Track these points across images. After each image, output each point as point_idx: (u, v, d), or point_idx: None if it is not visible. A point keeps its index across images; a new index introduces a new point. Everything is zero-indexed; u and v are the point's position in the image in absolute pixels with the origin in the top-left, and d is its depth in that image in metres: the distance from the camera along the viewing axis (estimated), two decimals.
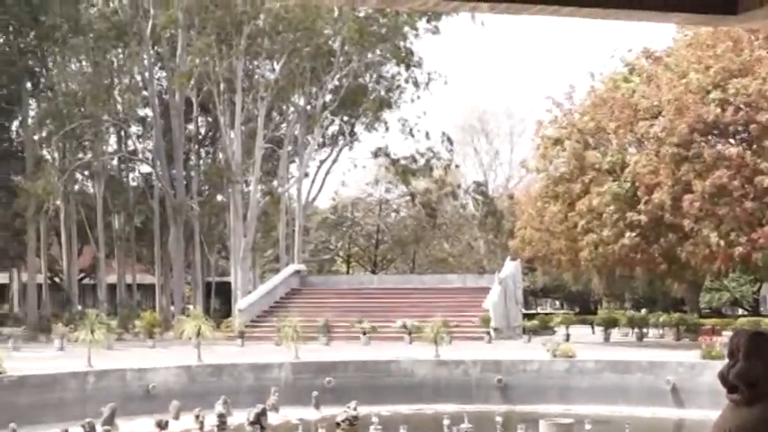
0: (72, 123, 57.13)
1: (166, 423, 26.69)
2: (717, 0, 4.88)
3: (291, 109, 62.40)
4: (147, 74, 61.81)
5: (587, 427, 26.26)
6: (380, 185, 78.14)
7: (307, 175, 63.34)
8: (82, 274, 69.26)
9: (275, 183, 64.93)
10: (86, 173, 65.18)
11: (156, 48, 62.54)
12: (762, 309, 69.28)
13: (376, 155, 68.19)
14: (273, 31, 55.81)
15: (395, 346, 40.00)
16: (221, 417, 27.41)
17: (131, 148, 66.45)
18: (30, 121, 61.04)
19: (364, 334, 43.84)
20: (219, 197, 65.35)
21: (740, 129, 41.45)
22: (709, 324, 49.03)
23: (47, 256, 63.93)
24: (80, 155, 62.76)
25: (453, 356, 34.21)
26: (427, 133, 66.32)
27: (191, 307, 57.84)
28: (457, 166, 72.01)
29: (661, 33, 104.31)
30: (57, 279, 67.99)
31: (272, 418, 28.52)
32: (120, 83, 62.04)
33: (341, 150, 66.34)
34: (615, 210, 41.40)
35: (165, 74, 63.71)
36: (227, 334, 45.54)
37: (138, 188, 67.21)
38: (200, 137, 67.82)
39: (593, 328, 52.03)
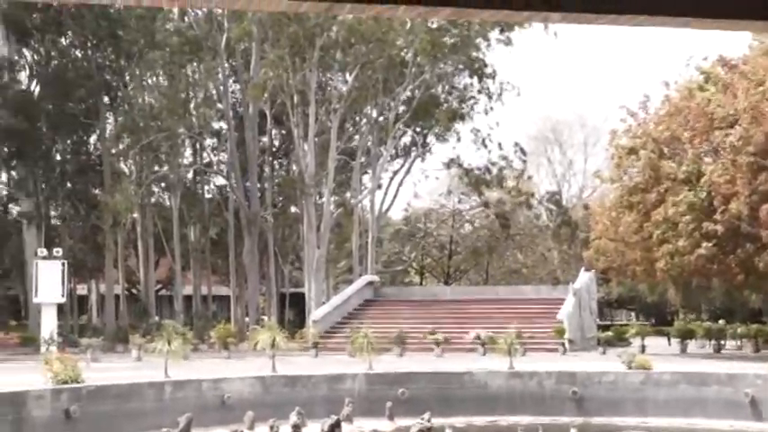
0: (148, 137, 57.95)
1: None
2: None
3: (364, 120, 62.60)
4: (221, 87, 62.49)
5: None
6: (453, 196, 78.10)
7: (380, 186, 63.50)
8: (159, 286, 70.08)
9: (348, 194, 65.14)
10: (163, 185, 65.99)
11: (230, 61, 63.24)
12: None
13: (449, 165, 68.19)
14: (346, 43, 56.08)
15: (468, 358, 39.86)
16: (296, 427, 27.50)
17: (206, 160, 67.21)
18: (107, 134, 62.06)
19: (437, 345, 43.74)
20: (293, 209, 65.75)
21: None
22: None
23: (124, 268, 64.83)
24: (156, 168, 63.58)
25: (527, 368, 33.98)
26: (500, 144, 66.21)
27: (265, 318, 58.10)
28: (530, 177, 71.72)
29: (736, 41, 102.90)
30: (134, 290, 68.89)
31: (346, 429, 28.53)
32: (195, 96, 62.75)
33: (413, 161, 66.41)
34: (691, 219, 40.90)
35: (239, 87, 64.33)
36: (302, 345, 45.74)
37: (213, 200, 67.88)
38: (273, 149, 68.32)
39: (669, 339, 51.36)
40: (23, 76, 61.83)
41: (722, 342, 47.74)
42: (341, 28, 55.27)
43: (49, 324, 45.66)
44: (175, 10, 58.36)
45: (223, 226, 66.31)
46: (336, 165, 58.18)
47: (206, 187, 69.29)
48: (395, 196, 65.85)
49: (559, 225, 71.21)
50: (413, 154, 66.12)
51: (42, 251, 48.57)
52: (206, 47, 59.66)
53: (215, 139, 67.33)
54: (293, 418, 27.77)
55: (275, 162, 69.00)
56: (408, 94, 60.26)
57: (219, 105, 63.84)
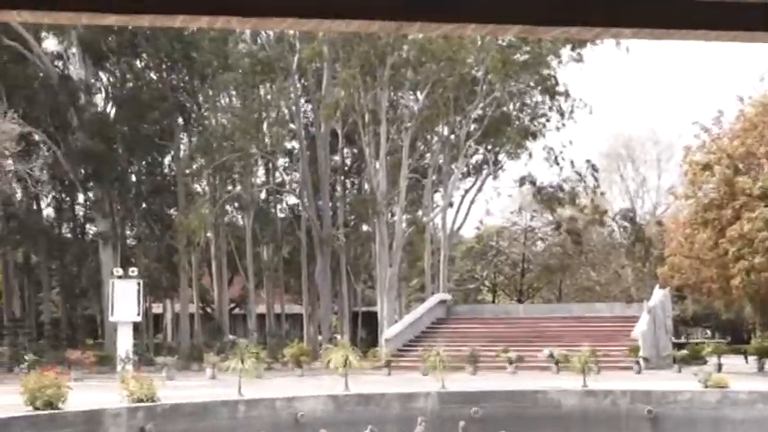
0: (222, 157, 58.53)
1: None
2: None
3: (435, 139, 62.62)
4: (293, 107, 62.96)
5: None
6: (525, 214, 77.79)
7: (451, 204, 63.41)
8: (232, 305, 70.65)
9: (420, 212, 65.15)
10: (236, 205, 66.57)
11: (302, 81, 63.73)
12: None
13: (521, 183, 67.93)
14: (417, 61, 56.20)
15: (542, 376, 39.63)
16: None
17: (279, 179, 67.69)
18: (181, 155, 62.87)
19: (511, 363, 43.57)
20: (365, 227, 65.92)
21: None
22: None
23: (199, 287, 65.47)
24: (230, 187, 64.22)
25: (601, 386, 33.69)
26: (572, 161, 65.78)
27: (338, 336, 58.37)
28: (602, 193, 71.18)
29: None
30: (208, 309, 69.52)
31: None
32: (267, 116, 63.28)
33: (485, 179, 66.18)
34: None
35: (311, 106, 64.79)
36: (374, 363, 45.77)
37: (286, 219, 68.34)
38: (345, 168, 68.61)
39: (746, 357, 50.57)
40: (100, 98, 62.96)
41: None
42: (411, 47, 55.43)
43: (124, 343, 46.20)
44: (248, 32, 58.96)
45: (296, 245, 66.66)
46: (408, 183, 58.23)
47: (278, 206, 69.82)
48: (467, 214, 65.77)
49: (633, 242, 70.50)
50: (484, 172, 65.94)
51: (118, 271, 49.21)
52: (278, 67, 60.18)
53: (287, 159, 67.79)
54: None
55: (347, 181, 69.28)
56: (479, 111, 60.14)
57: (292, 125, 64.32)
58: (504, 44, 55.82)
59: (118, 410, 26.54)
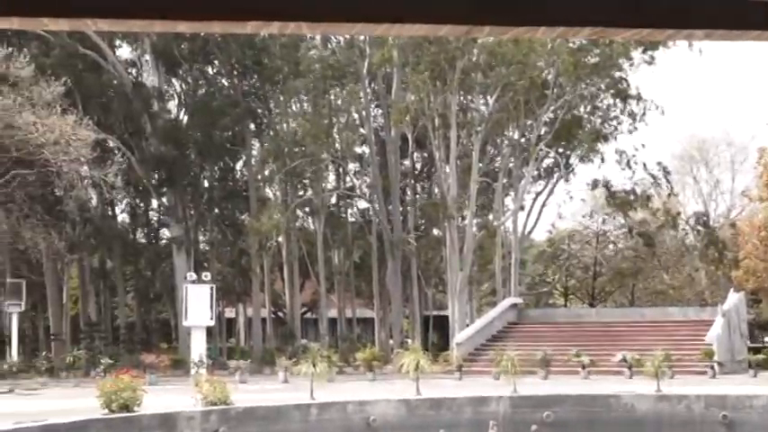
0: (293, 162, 58.87)
1: None
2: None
3: (506, 142, 62.39)
4: (364, 112, 63.14)
5: None
6: (597, 217, 77.17)
7: (522, 207, 63.08)
8: (304, 309, 71.00)
9: (491, 216, 64.94)
10: (307, 209, 66.88)
11: (372, 86, 63.88)
12: None
13: (593, 186, 67.38)
14: (487, 65, 56.07)
15: (614, 380, 39.30)
16: None
17: (350, 184, 67.90)
18: (253, 160, 63.35)
19: (583, 368, 43.27)
20: (436, 231, 65.86)
21: None
22: None
23: (271, 291, 65.90)
24: (301, 192, 64.56)
25: (675, 391, 33.32)
26: (645, 164, 65.03)
27: (409, 340, 58.40)
28: (675, 195, 70.38)
29: None
30: (280, 313, 69.91)
31: None
32: (338, 121, 63.49)
33: (556, 182, 65.78)
34: None
35: (381, 111, 64.91)
36: (446, 367, 45.75)
37: (357, 223, 68.50)
38: (415, 172, 68.64)
39: None
40: (172, 105, 63.70)
41: None
42: (481, 50, 55.30)
43: (198, 347, 46.66)
44: (318, 37, 59.23)
45: (366, 249, 66.80)
46: (478, 187, 58.06)
47: (349, 211, 70.03)
48: (538, 218, 65.40)
49: (707, 245, 69.55)
50: (555, 175, 65.54)
51: (192, 275, 49.69)
52: (348, 73, 60.41)
53: (358, 164, 68.00)
54: None
55: (417, 185, 69.30)
56: (550, 115, 59.80)
57: (362, 130, 64.50)
58: (575, 47, 55.44)
59: (192, 413, 26.81)
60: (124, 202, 65.78)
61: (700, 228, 72.25)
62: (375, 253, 62.96)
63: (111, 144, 57.32)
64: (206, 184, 63.77)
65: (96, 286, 64.57)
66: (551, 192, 65.94)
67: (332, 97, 63.10)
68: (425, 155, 67.11)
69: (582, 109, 62.53)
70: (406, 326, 66.29)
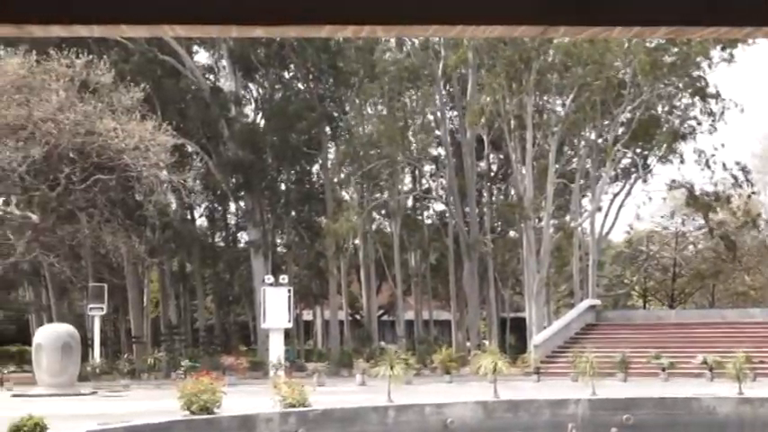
0: (369, 164, 59.04)
1: None
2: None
3: (582, 143, 61.90)
4: (439, 114, 63.15)
5: None
6: (676, 218, 76.24)
7: (600, 208, 62.55)
8: (381, 311, 71.16)
9: (568, 217, 64.50)
10: (383, 212, 67.03)
11: (447, 88, 63.84)
12: None
13: (671, 187, 66.55)
14: (563, 65, 55.74)
15: (695, 383, 38.84)
16: None
17: (425, 186, 67.94)
18: (329, 163, 63.65)
19: (663, 370, 42.83)
20: (512, 233, 65.62)
21: None
22: None
23: (347, 294, 66.18)
24: (377, 194, 64.69)
25: (758, 394, 32.80)
26: (724, 164, 64.02)
27: (486, 342, 58.25)
28: (756, 194, 69.27)
29: None
30: (357, 316, 70.15)
31: None
32: (413, 123, 63.52)
33: (634, 183, 65.09)
34: None
35: (456, 113, 64.80)
36: (523, 369, 45.58)
37: (433, 226, 68.49)
38: (491, 173, 68.43)
39: None
40: (249, 109, 64.26)
41: None
42: (557, 51, 54.97)
43: (276, 349, 47.01)
44: (393, 40, 59.34)
45: (443, 251, 66.77)
46: (555, 188, 57.68)
47: (425, 213, 70.05)
48: (615, 219, 64.76)
49: None
50: (633, 176, 64.86)
51: (269, 278, 50.07)
52: (423, 75, 60.44)
53: (433, 166, 67.98)
54: None
55: (493, 187, 69.06)
56: (627, 115, 59.20)
57: (437, 132, 64.45)
58: (652, 46, 54.81)
59: (270, 415, 27.02)
60: (203, 206, 66.50)
61: None
62: (451, 255, 62.90)
63: (189, 149, 57.97)
64: (283, 187, 64.18)
65: (176, 289, 65.33)
66: (629, 193, 65.35)
67: (407, 99, 63.14)
68: (501, 156, 66.90)
69: (659, 108, 61.82)
70: (483, 328, 66.12)
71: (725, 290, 79.10)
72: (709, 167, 63.44)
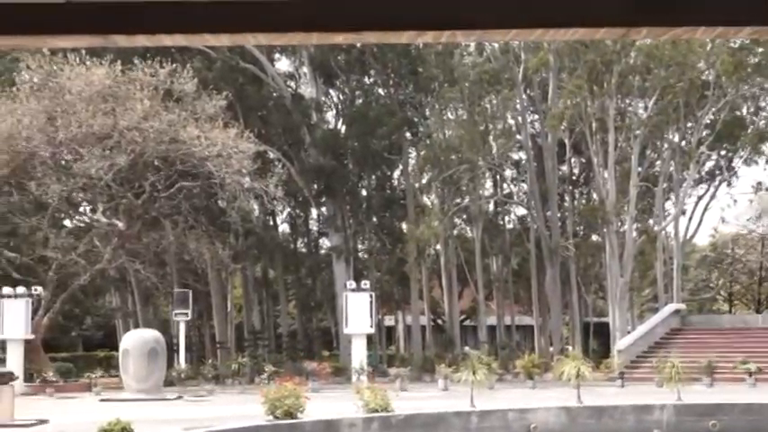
0: (449, 169, 58.99)
1: None
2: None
3: (665, 145, 61.17)
4: (519, 118, 62.85)
5: None
6: (763, 220, 74.98)
7: (683, 212, 61.81)
8: (463, 316, 70.99)
9: (651, 221, 63.79)
10: (464, 217, 66.92)
11: (527, 92, 63.52)
12: None
13: (757, 189, 65.53)
14: (644, 67, 55.14)
15: None
16: None
17: (506, 191, 67.67)
18: (410, 169, 63.70)
19: (750, 375, 42.15)
20: (595, 237, 65.07)
21: None
22: None
23: (429, 299, 66.17)
24: (458, 199, 64.57)
25: None
26: None
27: (569, 347, 57.82)
28: None
29: None
30: (439, 321, 70.08)
31: None
32: (494, 128, 63.30)
33: (719, 186, 64.24)
34: None
35: (536, 117, 64.49)
36: (607, 375, 45.18)
37: (514, 230, 68.23)
38: (573, 177, 67.96)
39: None
40: (330, 115, 64.56)
41: None
42: (639, 53, 54.40)
43: (358, 354, 47.14)
44: (472, 45, 59.22)
45: (524, 256, 66.43)
46: (638, 191, 57.11)
47: (507, 218, 69.81)
48: (700, 222, 64.00)
49: None
50: (718, 178, 64.00)
51: (351, 284, 50.22)
52: (503, 79, 60.21)
53: (514, 170, 67.70)
54: None
55: (575, 191, 68.58)
56: (711, 116, 58.42)
57: (518, 136, 64.15)
58: (736, 46, 54.00)
59: (353, 420, 27.09)
60: (285, 212, 66.94)
61: None
62: (533, 259, 62.57)
63: (271, 155, 58.41)
64: (364, 192, 64.42)
65: (259, 295, 65.87)
66: (713, 195, 64.52)
67: (487, 104, 62.96)
68: (583, 160, 66.39)
69: (744, 110, 60.96)
70: (566, 333, 65.66)
71: None
72: None
